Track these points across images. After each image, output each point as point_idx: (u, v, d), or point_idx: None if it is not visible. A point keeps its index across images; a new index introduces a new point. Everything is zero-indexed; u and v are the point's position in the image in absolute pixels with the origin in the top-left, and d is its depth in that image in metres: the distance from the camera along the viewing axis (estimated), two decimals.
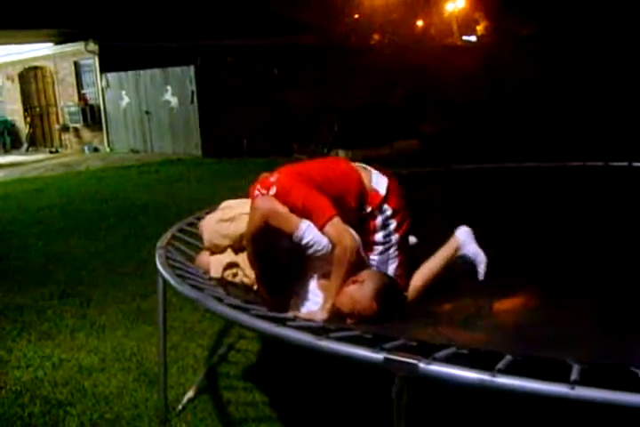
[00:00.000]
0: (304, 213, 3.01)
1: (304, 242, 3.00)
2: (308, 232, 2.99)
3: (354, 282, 2.95)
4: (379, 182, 3.28)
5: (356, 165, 3.42)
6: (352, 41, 17.01)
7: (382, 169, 3.45)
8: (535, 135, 12.92)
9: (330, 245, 2.99)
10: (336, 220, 3.00)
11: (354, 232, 3.08)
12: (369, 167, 3.41)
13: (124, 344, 4.65)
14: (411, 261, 3.36)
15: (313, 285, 3.13)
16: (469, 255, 3.42)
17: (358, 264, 3.06)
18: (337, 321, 2.88)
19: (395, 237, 3.24)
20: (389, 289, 2.96)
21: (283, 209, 3.02)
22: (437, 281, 3.30)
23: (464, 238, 3.43)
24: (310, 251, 3.03)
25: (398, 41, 16.75)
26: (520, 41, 17.66)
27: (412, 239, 3.51)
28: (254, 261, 3.15)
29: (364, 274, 3.01)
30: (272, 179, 3.22)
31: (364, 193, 3.23)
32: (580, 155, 5.62)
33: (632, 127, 12.25)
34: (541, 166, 5.42)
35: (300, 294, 3.16)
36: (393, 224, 3.24)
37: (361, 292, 2.90)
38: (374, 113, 15.36)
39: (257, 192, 3.24)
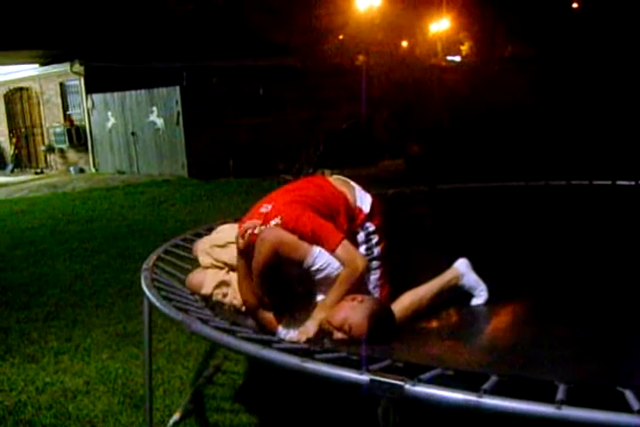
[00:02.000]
0: (313, 239, 3.02)
1: (317, 267, 3.01)
2: (320, 257, 3.00)
3: (352, 299, 2.95)
4: (363, 200, 3.35)
5: (339, 181, 3.47)
6: (337, 61, 17.10)
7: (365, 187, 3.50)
8: (521, 154, 12.99)
9: (342, 267, 3.01)
10: (345, 242, 3.04)
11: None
12: (352, 183, 3.48)
13: (110, 367, 4.62)
14: (400, 279, 3.37)
15: (312, 308, 3.11)
16: (469, 285, 3.41)
17: (358, 285, 3.07)
18: (324, 335, 2.89)
19: (376, 250, 3.29)
20: (384, 315, 2.95)
21: (292, 237, 3.02)
22: (426, 306, 3.27)
23: (463, 269, 3.42)
24: (321, 275, 3.03)
25: (383, 61, 16.84)
26: (504, 61, 17.82)
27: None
28: (261, 293, 3.11)
29: (365, 296, 3.01)
30: (264, 209, 3.19)
31: (350, 212, 3.27)
32: (566, 173, 5.65)
33: (618, 145, 12.34)
34: (527, 185, 5.44)
35: (299, 318, 3.13)
36: (375, 239, 3.30)
37: (357, 308, 2.89)
38: (360, 133, 15.43)
39: (249, 225, 3.18)
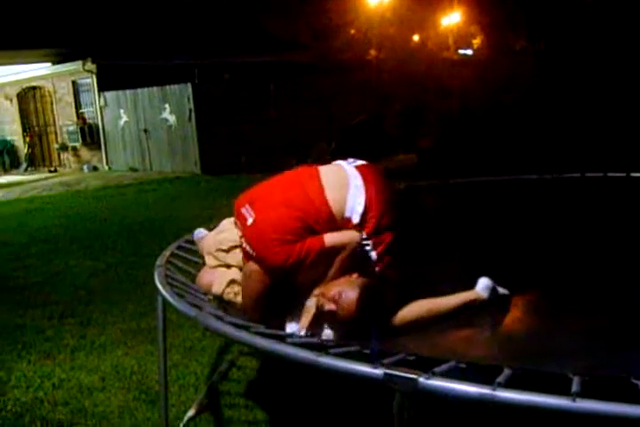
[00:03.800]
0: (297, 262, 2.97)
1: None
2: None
3: (349, 275, 2.96)
4: (354, 207, 3.07)
5: (332, 178, 3.17)
6: (348, 56, 17.07)
7: (367, 171, 3.21)
8: (534, 147, 12.94)
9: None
10: (326, 236, 2.97)
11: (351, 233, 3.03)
12: (348, 178, 3.16)
13: (125, 363, 4.64)
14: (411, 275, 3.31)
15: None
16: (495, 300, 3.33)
17: (354, 262, 3.02)
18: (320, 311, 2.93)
19: (373, 255, 3.05)
20: (376, 294, 2.93)
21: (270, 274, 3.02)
22: (435, 318, 3.12)
23: (486, 294, 3.30)
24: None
25: (395, 55, 16.80)
26: (515, 54, 17.74)
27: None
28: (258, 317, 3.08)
29: (361, 277, 2.98)
30: (244, 211, 3.12)
31: (333, 224, 3.04)
32: (579, 166, 5.63)
33: (631, 137, 12.27)
34: (539, 178, 5.42)
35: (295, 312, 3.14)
36: (369, 245, 3.05)
37: (352, 282, 2.91)
38: (372, 128, 15.41)
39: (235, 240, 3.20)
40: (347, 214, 3.06)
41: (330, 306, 2.88)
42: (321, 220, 3.03)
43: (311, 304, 2.99)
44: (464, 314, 3.17)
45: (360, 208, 3.06)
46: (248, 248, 3.05)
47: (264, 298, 3.05)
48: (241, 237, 3.16)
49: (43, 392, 4.24)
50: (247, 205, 3.12)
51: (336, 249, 2.96)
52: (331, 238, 2.97)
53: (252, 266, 3.04)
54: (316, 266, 2.97)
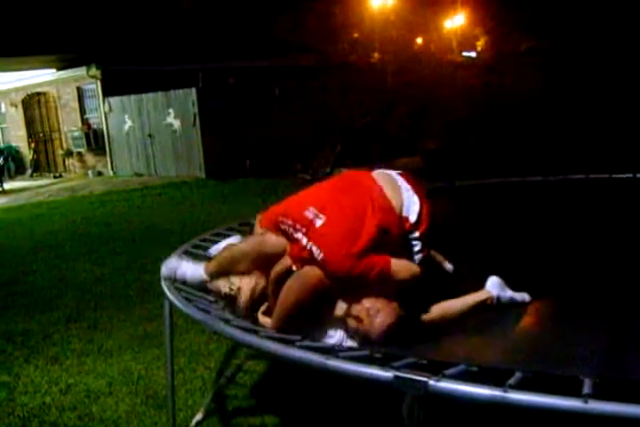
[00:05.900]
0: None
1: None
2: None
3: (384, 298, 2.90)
4: (410, 208, 3.11)
5: (386, 183, 3.20)
6: (352, 60, 17.05)
7: (410, 178, 3.27)
8: (538, 149, 12.93)
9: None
10: (393, 261, 2.92)
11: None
12: (399, 182, 3.22)
13: (132, 368, 4.63)
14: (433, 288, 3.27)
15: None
16: (506, 303, 3.31)
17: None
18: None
19: (417, 258, 3.09)
20: (402, 327, 2.86)
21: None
22: (451, 320, 3.12)
23: (496, 291, 3.29)
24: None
25: (398, 58, 16.78)
26: (519, 56, 17.70)
27: (448, 266, 3.38)
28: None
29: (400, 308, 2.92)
30: (310, 215, 3.03)
31: (393, 225, 3.06)
32: (584, 168, 5.61)
33: (636, 139, 12.24)
34: (545, 180, 5.41)
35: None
36: (417, 246, 3.10)
37: (392, 307, 2.84)
38: (376, 131, 15.39)
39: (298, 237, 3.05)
40: (404, 213, 3.09)
41: (353, 324, 2.82)
42: (392, 221, 3.02)
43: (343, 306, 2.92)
44: (478, 313, 3.18)
45: (416, 207, 3.10)
46: (314, 250, 2.93)
47: (307, 305, 2.92)
48: (295, 240, 3.04)
49: (50, 398, 4.24)
50: (311, 208, 3.04)
51: (395, 277, 2.90)
52: (396, 265, 2.92)
53: (314, 270, 2.91)
54: (370, 285, 2.90)
